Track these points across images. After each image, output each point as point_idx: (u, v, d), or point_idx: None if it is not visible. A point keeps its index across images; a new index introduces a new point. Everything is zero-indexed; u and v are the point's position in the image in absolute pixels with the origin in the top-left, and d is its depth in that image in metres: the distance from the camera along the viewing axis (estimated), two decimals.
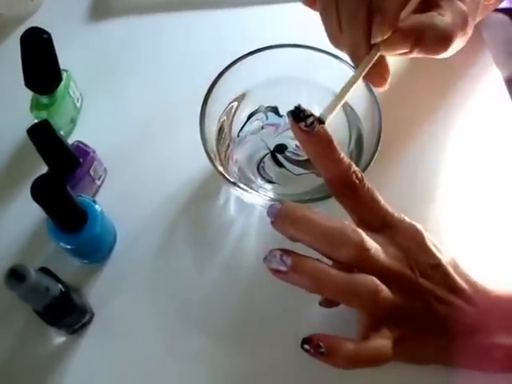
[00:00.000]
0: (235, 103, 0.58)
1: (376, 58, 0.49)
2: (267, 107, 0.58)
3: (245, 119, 0.58)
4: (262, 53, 0.55)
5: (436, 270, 0.48)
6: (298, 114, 0.45)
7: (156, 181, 0.61)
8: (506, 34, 0.71)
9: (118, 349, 0.55)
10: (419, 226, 0.49)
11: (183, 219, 0.60)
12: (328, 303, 0.51)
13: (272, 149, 0.57)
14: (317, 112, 0.46)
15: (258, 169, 0.57)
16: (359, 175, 0.47)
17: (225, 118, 0.58)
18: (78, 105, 0.64)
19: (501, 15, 0.70)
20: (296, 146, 0.57)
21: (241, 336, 0.55)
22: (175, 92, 0.66)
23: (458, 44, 0.51)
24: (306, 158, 0.56)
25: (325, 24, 0.52)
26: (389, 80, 0.51)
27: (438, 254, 0.48)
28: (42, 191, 0.48)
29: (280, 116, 0.58)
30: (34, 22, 0.62)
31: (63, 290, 0.48)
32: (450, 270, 0.48)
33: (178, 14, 0.71)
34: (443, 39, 0.48)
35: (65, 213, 0.51)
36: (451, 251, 0.49)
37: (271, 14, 0.71)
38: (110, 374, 0.54)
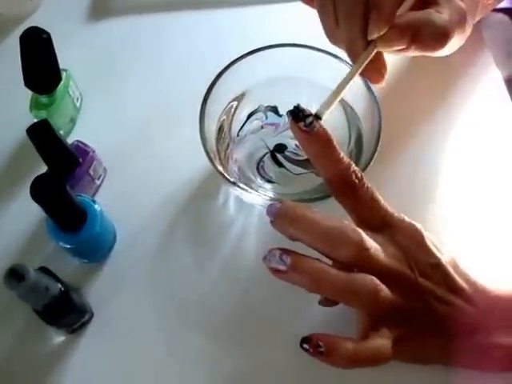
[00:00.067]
0: (235, 103, 0.58)
1: (373, 54, 0.49)
2: (267, 107, 0.58)
3: (244, 119, 0.58)
4: (261, 52, 0.55)
5: (436, 269, 0.48)
6: (298, 114, 0.45)
7: (156, 180, 0.61)
8: (505, 34, 0.71)
9: (117, 348, 0.55)
10: (419, 226, 0.49)
11: (183, 219, 0.60)
12: (327, 302, 0.51)
13: (272, 148, 0.57)
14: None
15: (257, 168, 0.57)
16: (359, 175, 0.47)
17: (224, 117, 0.58)
18: (78, 104, 0.64)
19: (500, 15, 0.70)
20: (296, 145, 0.57)
21: (240, 335, 0.55)
22: (175, 91, 0.66)
23: (456, 42, 0.51)
24: (305, 157, 0.56)
25: (322, 21, 0.52)
26: (386, 76, 0.51)
27: (438, 254, 0.48)
28: (41, 191, 0.48)
29: (279, 115, 0.58)
30: (34, 21, 0.61)
31: (63, 289, 0.48)
32: (450, 269, 0.48)
33: (177, 13, 0.71)
34: (440, 36, 0.48)
35: (64, 212, 0.51)
36: (451, 251, 0.49)
37: (271, 14, 0.71)
38: (109, 374, 0.54)
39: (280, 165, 0.57)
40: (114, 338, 0.55)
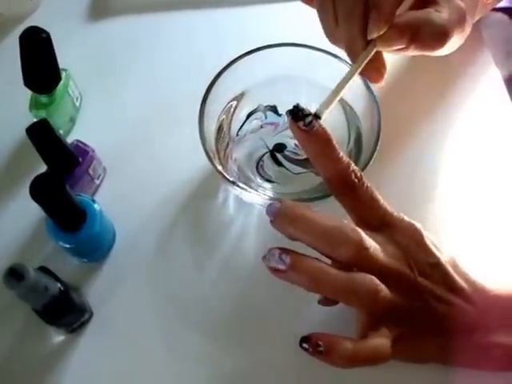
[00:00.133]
0: (234, 102, 0.58)
1: (372, 53, 0.49)
2: (266, 106, 0.58)
3: (244, 118, 0.58)
4: (260, 52, 0.55)
5: (435, 268, 0.48)
6: (297, 113, 0.45)
7: (155, 180, 0.61)
8: (505, 33, 0.71)
9: (116, 348, 0.55)
10: (418, 225, 0.49)
11: (182, 218, 0.60)
12: (327, 302, 0.51)
13: (271, 148, 0.57)
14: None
15: (257, 168, 0.57)
16: (358, 174, 0.47)
17: (224, 117, 0.58)
18: (77, 104, 0.64)
19: (500, 14, 0.70)
20: (295, 145, 0.57)
21: (240, 335, 0.55)
22: (174, 91, 0.66)
23: (456, 42, 0.51)
24: (304, 157, 0.56)
25: (321, 20, 0.52)
26: (385, 75, 0.51)
27: (437, 253, 0.48)
28: (40, 190, 0.48)
29: (279, 115, 0.58)
30: (33, 21, 0.61)
31: (62, 288, 0.48)
32: (449, 268, 0.48)
33: (176, 13, 0.71)
34: (440, 35, 0.48)
35: (64, 212, 0.51)
36: (450, 250, 0.49)
37: (270, 14, 0.71)
38: (108, 373, 0.54)
39: (279, 164, 0.57)
40: (114, 337, 0.55)
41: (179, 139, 0.62)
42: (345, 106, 0.57)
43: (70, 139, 0.59)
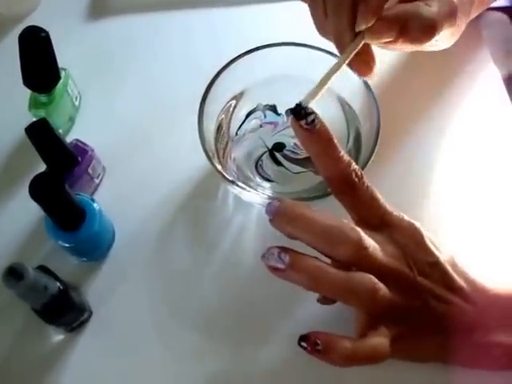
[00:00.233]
0: (233, 102, 0.58)
1: (360, 45, 0.49)
2: (265, 106, 0.58)
3: (243, 118, 0.58)
4: (259, 51, 0.55)
5: (434, 268, 0.48)
6: (299, 112, 0.45)
7: (155, 179, 0.61)
8: (504, 33, 0.71)
9: (116, 347, 0.55)
10: (418, 225, 0.49)
11: (182, 217, 0.60)
12: (326, 300, 0.51)
13: (270, 147, 0.57)
14: (315, 110, 0.46)
15: (256, 167, 0.57)
16: (358, 173, 0.47)
17: (223, 116, 0.58)
18: (77, 103, 0.64)
19: (499, 14, 0.70)
20: (294, 144, 0.57)
21: (239, 334, 0.55)
22: (173, 90, 0.66)
23: (450, 36, 0.51)
24: (304, 156, 0.56)
25: (312, 15, 0.52)
26: (375, 69, 0.51)
27: (437, 253, 0.48)
28: (40, 190, 0.48)
29: (278, 114, 0.58)
30: (32, 20, 0.61)
31: (61, 288, 0.48)
32: (449, 268, 0.48)
33: (176, 12, 0.71)
34: (428, 28, 0.48)
35: (63, 211, 0.51)
36: (449, 249, 0.49)
37: (268, 13, 0.71)
38: (108, 372, 0.54)
39: (279, 163, 0.57)
40: (113, 336, 0.55)
41: (178, 139, 0.62)
42: (344, 104, 0.57)
43: (69, 138, 0.59)
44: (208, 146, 0.53)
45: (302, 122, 0.45)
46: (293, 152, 0.57)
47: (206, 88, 0.54)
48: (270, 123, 0.58)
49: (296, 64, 0.56)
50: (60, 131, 0.60)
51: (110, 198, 0.59)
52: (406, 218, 0.49)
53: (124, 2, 0.72)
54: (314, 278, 0.44)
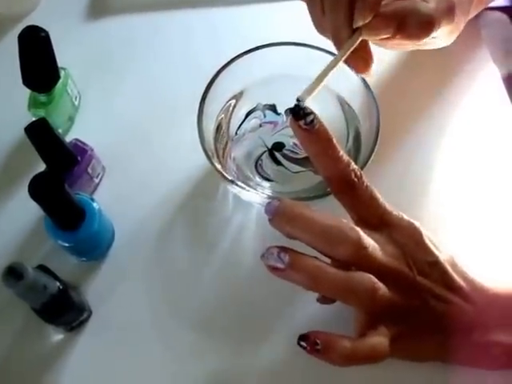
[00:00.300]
0: (233, 101, 0.58)
1: (358, 42, 0.49)
2: (265, 105, 0.58)
3: (243, 117, 0.58)
4: (259, 51, 0.55)
5: (433, 267, 0.48)
6: (298, 112, 0.45)
7: (154, 179, 0.61)
8: (504, 33, 0.71)
9: (115, 346, 0.55)
10: (417, 224, 0.49)
11: (181, 217, 0.60)
12: (326, 299, 0.51)
13: (270, 146, 0.57)
14: (315, 109, 0.46)
15: (255, 167, 0.57)
16: (358, 173, 0.47)
17: (223, 116, 0.58)
18: (76, 103, 0.64)
19: (499, 13, 0.70)
20: (294, 143, 0.57)
21: (238, 334, 0.55)
22: (173, 90, 0.66)
23: (448, 34, 0.51)
24: (303, 155, 0.56)
25: (310, 12, 0.52)
26: (373, 66, 0.51)
27: (436, 252, 0.48)
28: (39, 189, 0.48)
29: (278, 114, 0.58)
30: (32, 20, 0.61)
31: (61, 287, 0.48)
32: (448, 267, 0.48)
33: (175, 12, 0.71)
34: (425, 24, 0.48)
35: (63, 211, 0.51)
36: (448, 248, 0.49)
37: (268, 12, 0.71)
38: (107, 372, 0.54)
39: (278, 163, 0.57)
40: (113, 335, 0.55)
41: (178, 138, 0.62)
42: (343, 104, 0.57)
43: (68, 138, 0.59)
44: (207, 146, 0.53)
45: (301, 123, 0.45)
46: (292, 151, 0.57)
47: (205, 87, 0.54)
48: (270, 123, 0.58)
49: (295, 63, 0.56)
50: (59, 131, 0.60)
51: (110, 198, 0.59)
52: (406, 217, 0.49)
53: (124, 2, 0.72)
54: (314, 278, 0.44)
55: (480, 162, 0.63)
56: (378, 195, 0.48)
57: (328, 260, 0.46)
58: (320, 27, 0.52)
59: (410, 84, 0.66)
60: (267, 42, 0.55)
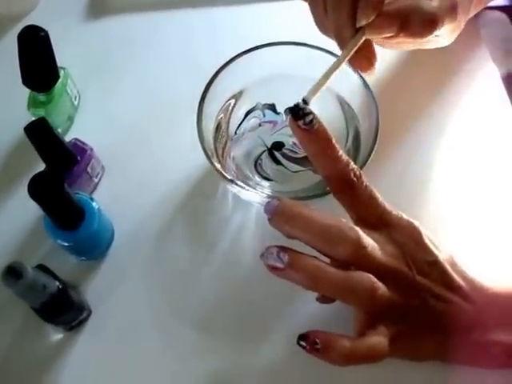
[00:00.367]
0: (232, 101, 0.58)
1: (361, 41, 0.49)
2: (264, 105, 0.58)
3: (242, 117, 0.58)
4: (258, 50, 0.55)
5: (433, 267, 0.48)
6: (297, 112, 0.45)
7: (154, 178, 0.61)
8: (503, 32, 0.71)
9: (115, 345, 0.55)
10: (417, 224, 0.49)
11: (181, 216, 0.60)
12: (325, 299, 0.51)
13: (269, 146, 0.57)
14: (314, 109, 0.46)
15: (255, 166, 0.57)
16: (357, 173, 0.47)
17: (222, 115, 0.58)
18: (76, 102, 0.64)
19: (498, 13, 0.70)
20: (293, 143, 0.57)
21: (238, 333, 0.55)
22: (172, 89, 0.66)
23: (449, 32, 0.51)
24: (303, 155, 0.56)
25: (312, 12, 0.52)
26: (376, 65, 0.51)
27: (436, 251, 0.48)
28: (39, 189, 0.48)
29: (277, 113, 0.58)
30: (32, 19, 0.61)
31: (60, 287, 0.48)
32: (447, 267, 0.48)
33: (175, 11, 0.71)
34: (429, 23, 0.48)
35: (62, 210, 0.51)
36: (448, 247, 0.49)
37: (267, 12, 0.71)
38: (106, 371, 0.54)
39: (278, 162, 0.57)
40: (112, 335, 0.55)
41: (177, 138, 0.62)
42: (343, 103, 0.57)
43: (68, 138, 0.59)
44: (207, 145, 0.53)
45: (300, 122, 0.45)
46: (292, 151, 0.57)
47: (205, 87, 0.54)
48: (269, 122, 0.58)
49: (295, 63, 0.56)
50: (59, 130, 0.60)
51: (109, 197, 0.59)
52: (405, 216, 0.49)
53: (123, 2, 0.72)
54: (313, 277, 0.44)
55: (480, 161, 0.63)
56: (378, 195, 0.48)
57: (327, 260, 0.46)
58: (322, 27, 0.52)
59: (410, 83, 0.66)
60: (267, 42, 0.55)
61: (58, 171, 0.52)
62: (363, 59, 0.51)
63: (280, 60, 0.56)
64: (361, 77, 0.54)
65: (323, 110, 0.50)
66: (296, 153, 0.57)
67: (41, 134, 0.51)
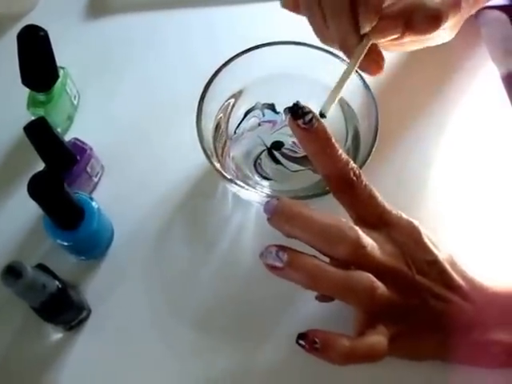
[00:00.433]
0: (232, 100, 0.58)
1: (368, 47, 0.49)
2: (264, 104, 0.58)
3: (241, 116, 0.58)
4: (258, 50, 0.55)
5: (432, 266, 0.48)
6: (297, 111, 0.45)
7: (153, 178, 0.61)
8: (503, 32, 0.71)
9: (114, 345, 0.55)
10: (416, 223, 0.49)
11: (180, 216, 0.60)
12: (324, 297, 0.51)
13: (269, 145, 0.57)
14: (314, 109, 0.46)
15: (254, 165, 0.57)
16: (357, 172, 0.47)
17: (221, 115, 0.58)
18: (75, 102, 0.64)
19: (498, 12, 0.70)
20: (293, 142, 0.57)
21: (237, 333, 0.55)
22: (172, 89, 0.66)
23: (451, 27, 0.51)
24: (302, 154, 0.56)
25: (311, 23, 0.52)
26: (384, 66, 0.51)
27: (435, 251, 0.48)
28: (39, 188, 0.48)
29: (277, 113, 0.58)
30: (31, 19, 0.61)
31: (60, 286, 0.48)
32: (447, 266, 0.48)
33: (174, 11, 0.71)
34: (433, 18, 0.48)
35: (62, 210, 0.51)
36: (448, 248, 0.49)
37: (266, 12, 0.70)
38: (106, 371, 0.54)
39: (277, 162, 0.57)
40: (112, 334, 0.55)
41: (177, 137, 0.62)
42: (342, 103, 0.57)
43: (67, 137, 0.59)
44: (206, 145, 0.53)
45: (300, 122, 0.45)
46: (291, 150, 0.57)
47: (204, 87, 0.54)
48: (269, 122, 0.58)
49: (294, 63, 0.56)
50: (58, 130, 0.60)
51: (109, 197, 0.59)
52: (405, 216, 0.49)
53: (122, 2, 0.72)
54: (313, 277, 0.44)
55: (479, 160, 0.63)
56: (377, 194, 0.48)
57: (327, 259, 0.46)
58: (323, 37, 0.52)
59: (410, 81, 0.66)
60: (266, 41, 0.55)
61: (58, 171, 0.52)
62: (372, 63, 0.51)
63: (279, 60, 0.56)
64: (360, 76, 0.54)
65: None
66: (295, 152, 0.57)
67: (40, 134, 0.51)
